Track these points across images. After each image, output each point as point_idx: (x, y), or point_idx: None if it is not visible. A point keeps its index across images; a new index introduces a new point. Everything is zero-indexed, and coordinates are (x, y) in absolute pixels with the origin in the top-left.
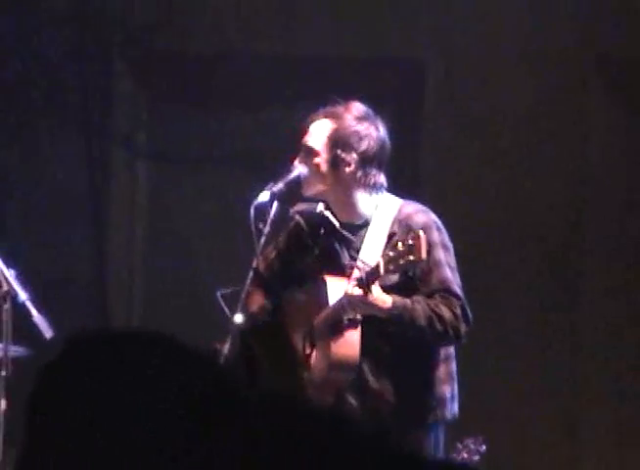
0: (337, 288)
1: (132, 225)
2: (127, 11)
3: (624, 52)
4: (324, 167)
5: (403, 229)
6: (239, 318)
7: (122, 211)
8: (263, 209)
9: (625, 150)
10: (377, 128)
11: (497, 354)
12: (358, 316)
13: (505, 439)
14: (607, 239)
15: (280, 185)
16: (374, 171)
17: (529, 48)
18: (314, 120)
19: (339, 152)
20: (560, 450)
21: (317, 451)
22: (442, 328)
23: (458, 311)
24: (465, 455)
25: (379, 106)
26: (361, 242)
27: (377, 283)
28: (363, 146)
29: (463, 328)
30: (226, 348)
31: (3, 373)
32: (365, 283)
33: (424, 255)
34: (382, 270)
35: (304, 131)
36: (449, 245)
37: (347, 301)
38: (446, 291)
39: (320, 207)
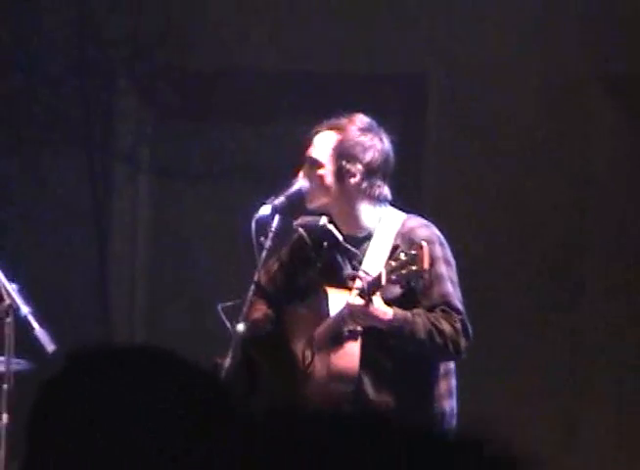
0: (338, 299)
1: (134, 239)
2: (130, 27)
3: (626, 55)
4: (329, 179)
5: (406, 243)
6: (241, 327)
7: (124, 225)
8: (265, 222)
9: (627, 152)
10: (381, 140)
11: (497, 354)
12: (359, 328)
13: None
14: (607, 240)
15: (281, 199)
16: (378, 183)
17: (531, 55)
18: (318, 133)
19: (344, 163)
20: (560, 450)
21: (316, 452)
22: (442, 342)
23: (458, 326)
24: None
25: (382, 118)
26: (364, 255)
27: (378, 294)
28: (368, 157)
29: (463, 343)
30: (227, 362)
31: (5, 387)
32: (367, 293)
33: (426, 265)
34: (384, 280)
35: (308, 144)
36: (451, 260)
37: (348, 311)
38: (447, 305)
39: (323, 220)
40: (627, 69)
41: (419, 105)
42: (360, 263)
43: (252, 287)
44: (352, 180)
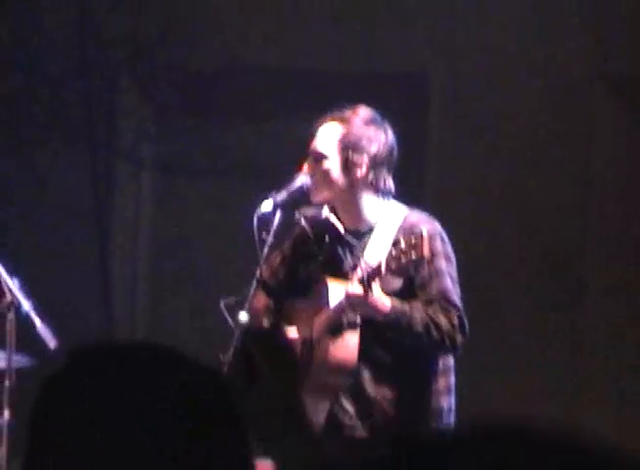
0: (338, 291)
1: (136, 236)
2: (130, 26)
3: (629, 56)
4: (334, 171)
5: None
6: (244, 316)
7: (126, 222)
8: (266, 218)
9: (628, 151)
10: (385, 132)
11: (497, 354)
12: (358, 320)
13: None
14: (607, 240)
15: (283, 194)
16: (384, 175)
17: (534, 53)
18: (321, 125)
19: (350, 154)
20: None
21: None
22: (439, 336)
23: (456, 322)
24: None
25: (383, 116)
26: (365, 248)
27: (377, 282)
28: (374, 148)
29: (459, 339)
30: (229, 357)
31: (7, 383)
32: (366, 282)
33: (426, 253)
34: (383, 269)
35: (311, 137)
36: (452, 256)
37: (347, 300)
38: (445, 300)
39: (325, 211)
40: (629, 69)
41: (420, 104)
42: (361, 256)
43: (254, 282)
44: (358, 172)
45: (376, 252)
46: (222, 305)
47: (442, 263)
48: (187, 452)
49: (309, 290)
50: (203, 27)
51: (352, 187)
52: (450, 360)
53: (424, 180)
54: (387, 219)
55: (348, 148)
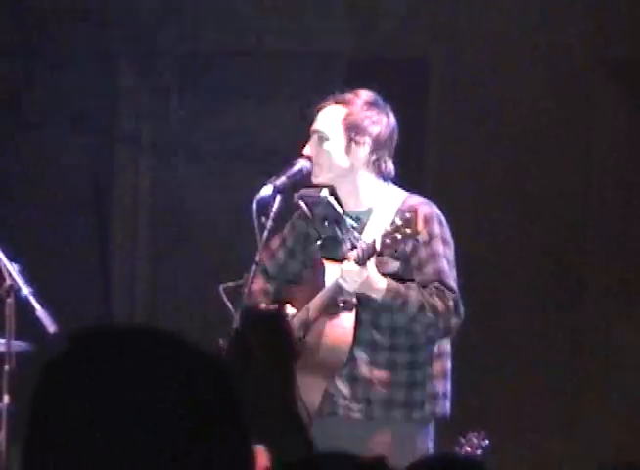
0: (334, 272)
1: (136, 219)
2: (132, 7)
3: (629, 42)
4: (337, 152)
5: None
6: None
7: (126, 205)
8: (266, 202)
9: (629, 136)
10: (387, 115)
11: (497, 354)
12: (353, 300)
13: (505, 439)
14: (608, 239)
15: (282, 179)
16: (385, 157)
17: (535, 38)
18: (323, 107)
19: (353, 135)
20: (559, 450)
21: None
22: (433, 318)
23: (451, 304)
24: (468, 449)
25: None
26: (363, 230)
27: (374, 262)
28: (376, 130)
29: (454, 321)
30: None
31: (6, 368)
32: (361, 259)
33: (420, 228)
34: (378, 245)
35: (312, 120)
36: (450, 240)
37: (343, 278)
38: (441, 283)
39: (324, 192)
40: (630, 54)
41: (420, 89)
42: (360, 238)
43: (254, 266)
44: (361, 153)
45: (374, 234)
46: (221, 289)
47: (440, 246)
48: (188, 435)
49: (308, 273)
50: (203, 9)
51: (354, 168)
52: (447, 345)
53: (423, 165)
54: (386, 202)
55: (352, 129)
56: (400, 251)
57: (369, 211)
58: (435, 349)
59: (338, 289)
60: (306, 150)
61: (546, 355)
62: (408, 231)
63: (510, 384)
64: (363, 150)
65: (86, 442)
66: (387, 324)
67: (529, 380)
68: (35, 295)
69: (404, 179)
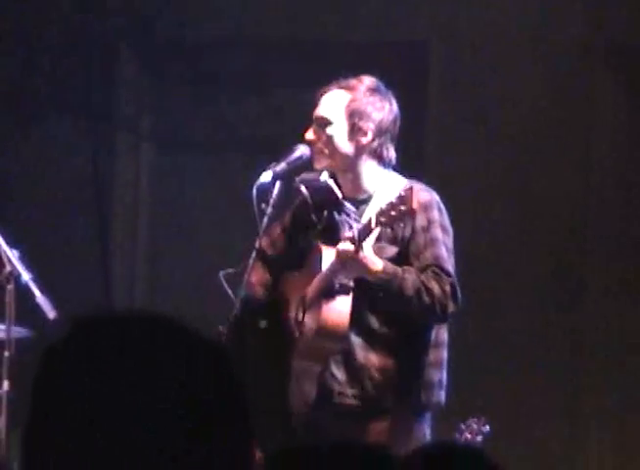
0: (331, 257)
1: (136, 209)
2: None
3: (631, 39)
4: (340, 138)
5: None
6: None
7: (126, 194)
8: (266, 189)
9: (629, 136)
10: (390, 102)
11: (497, 354)
12: (350, 283)
13: (505, 439)
14: (608, 239)
15: (282, 165)
16: (388, 144)
17: (535, 33)
18: (326, 93)
19: (356, 120)
20: (560, 450)
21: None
22: (430, 302)
23: (447, 289)
24: (468, 436)
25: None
26: (362, 216)
27: (370, 244)
28: (379, 116)
29: (450, 306)
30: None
31: (6, 354)
32: (357, 239)
33: (414, 205)
34: (373, 224)
35: (314, 106)
36: (448, 227)
37: (338, 259)
38: (439, 267)
39: (324, 175)
40: (632, 53)
41: (420, 77)
42: (359, 222)
43: (254, 253)
44: (364, 139)
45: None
46: (221, 275)
47: (438, 232)
48: (189, 419)
49: (307, 259)
50: None
51: (356, 154)
52: (444, 335)
53: (422, 165)
54: (385, 188)
55: (355, 114)
56: (399, 236)
57: (369, 198)
58: (432, 337)
59: (334, 273)
60: (308, 135)
61: (546, 355)
62: (403, 208)
63: (510, 384)
64: (366, 136)
65: (87, 428)
66: (383, 309)
67: (529, 380)
68: (35, 281)
69: (404, 164)
